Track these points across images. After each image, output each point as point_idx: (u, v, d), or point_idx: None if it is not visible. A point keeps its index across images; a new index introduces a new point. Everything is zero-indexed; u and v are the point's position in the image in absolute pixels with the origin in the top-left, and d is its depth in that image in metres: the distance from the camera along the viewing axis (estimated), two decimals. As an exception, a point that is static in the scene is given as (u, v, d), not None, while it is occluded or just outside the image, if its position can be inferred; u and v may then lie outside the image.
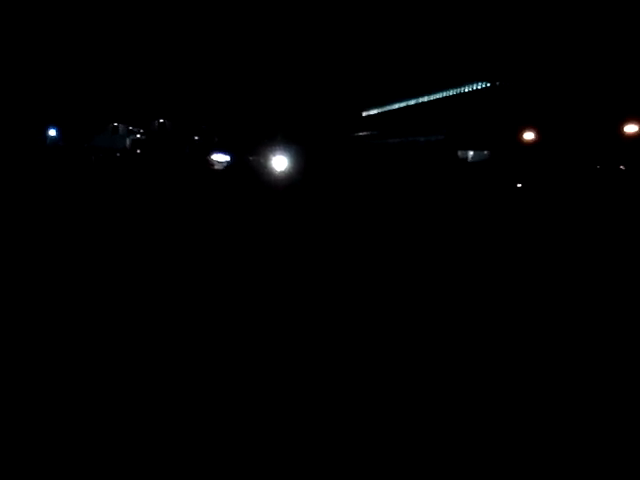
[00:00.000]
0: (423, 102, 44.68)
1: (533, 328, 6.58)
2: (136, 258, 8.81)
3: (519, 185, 26.28)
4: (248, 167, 32.60)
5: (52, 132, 35.52)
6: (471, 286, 8.45)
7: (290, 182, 28.39)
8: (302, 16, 38.89)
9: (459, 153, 38.35)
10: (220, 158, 35.57)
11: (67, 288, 7.00)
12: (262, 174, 30.76)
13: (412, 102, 45.44)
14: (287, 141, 34.11)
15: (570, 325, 6.86)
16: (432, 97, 43.52)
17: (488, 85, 37.65)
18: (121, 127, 36.44)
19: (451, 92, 41.16)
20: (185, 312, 6.37)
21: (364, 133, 45.81)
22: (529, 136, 34.89)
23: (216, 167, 34.16)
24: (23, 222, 12.05)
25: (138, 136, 36.75)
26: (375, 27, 39.30)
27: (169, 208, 16.65)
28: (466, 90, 39.44)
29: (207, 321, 6.11)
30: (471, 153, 38.30)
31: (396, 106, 47.03)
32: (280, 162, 31.26)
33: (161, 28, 36.59)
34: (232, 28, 37.92)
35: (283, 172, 30.04)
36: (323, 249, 10.90)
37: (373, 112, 49.71)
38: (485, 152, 37.41)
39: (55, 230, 11.20)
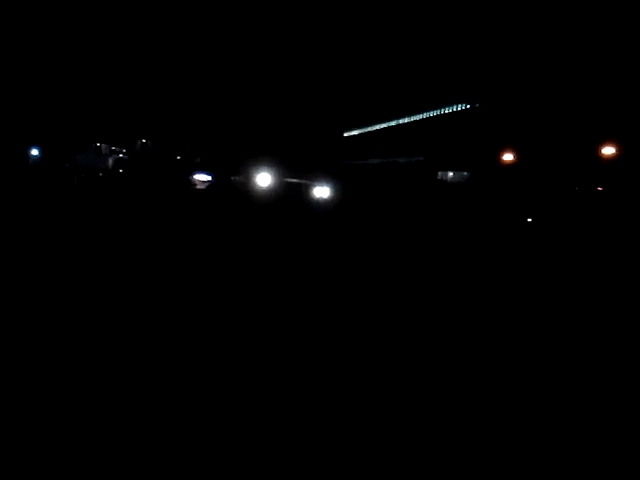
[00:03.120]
0: (404, 123, 45.09)
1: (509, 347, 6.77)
2: (121, 277, 8.90)
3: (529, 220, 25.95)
4: (229, 186, 32.79)
5: (34, 152, 35.51)
6: (453, 304, 8.65)
7: (272, 201, 28.60)
8: (284, 38, 39.23)
9: (439, 174, 38.78)
10: (202, 178, 35.73)
11: (51, 308, 7.07)
12: (243, 193, 30.99)
13: (393, 123, 45.85)
14: (268, 161, 34.31)
15: (550, 341, 7.05)
16: (413, 118, 43.95)
17: (468, 107, 38.15)
18: (104, 147, 36.43)
19: (431, 113, 41.63)
20: (172, 332, 6.46)
21: (345, 153, 46.15)
22: (508, 157, 35.42)
23: (198, 187, 34.36)
24: (7, 240, 12.11)
25: (121, 156, 36.77)
26: (356, 49, 39.69)
27: (153, 226, 16.79)
28: (446, 112, 39.92)
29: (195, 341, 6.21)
30: (451, 174, 38.75)
31: (377, 127, 47.42)
32: (262, 181, 31.47)
33: (144, 49, 36.75)
34: (214, 50, 38.16)
35: (265, 190, 30.27)
36: (305, 267, 11.05)
37: (354, 133, 50.09)
38: (465, 173, 37.88)
39: (39, 248, 11.27)
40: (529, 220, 25.37)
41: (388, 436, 4.08)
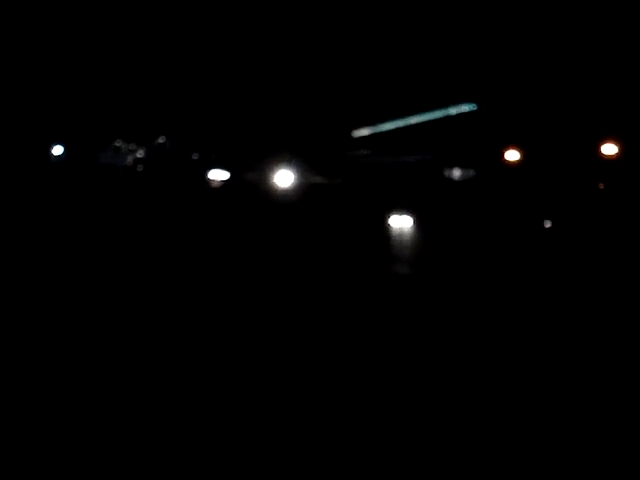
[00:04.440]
0: (411, 123, 45.86)
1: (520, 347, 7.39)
2: (138, 275, 9.71)
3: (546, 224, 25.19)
4: (245, 184, 33.71)
5: (57, 150, 36.71)
6: (463, 301, 9.36)
7: (285, 200, 29.52)
8: (293, 38, 40.35)
9: (446, 172, 39.66)
10: (219, 175, 36.57)
11: (69, 305, 7.83)
12: (258, 191, 31.94)
13: (401, 123, 46.71)
14: (280, 161, 35.11)
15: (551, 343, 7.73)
16: (420, 118, 44.74)
17: (473, 107, 39.20)
18: (123, 145, 37.64)
19: (438, 114, 42.46)
20: (185, 332, 7.12)
21: (355, 153, 46.92)
22: (513, 155, 36.38)
23: (215, 184, 35.33)
24: (30, 235, 13.00)
25: (139, 154, 37.96)
26: (364, 51, 40.81)
27: (171, 223, 17.67)
28: (452, 112, 40.87)
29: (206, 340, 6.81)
30: (458, 172, 39.62)
31: (386, 127, 48.22)
32: (278, 179, 32.39)
33: (161, 49, 37.96)
34: (227, 52, 39.32)
35: (281, 189, 31.21)
36: (317, 265, 11.85)
37: (364, 133, 50.88)
38: (471, 171, 38.78)
39: (61, 243, 12.14)
40: (548, 225, 25.40)
41: (388, 436, 4.51)
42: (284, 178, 32.96)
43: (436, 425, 5.11)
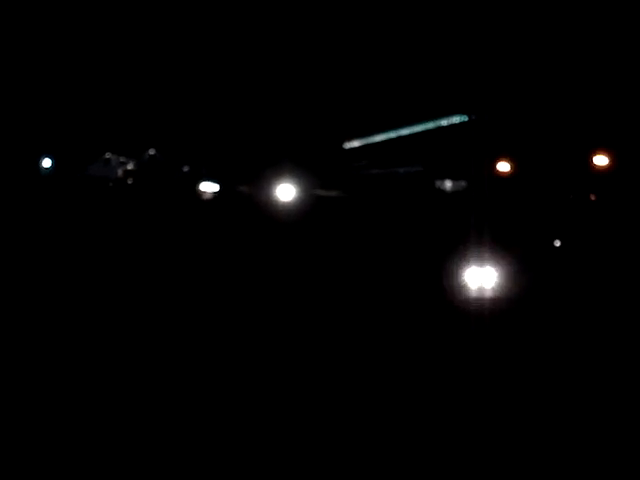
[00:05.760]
0: (402, 135, 45.98)
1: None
2: (129, 287, 9.61)
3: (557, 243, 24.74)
4: (236, 196, 33.68)
5: (46, 163, 36.50)
6: (453, 315, 9.36)
7: (276, 212, 29.47)
8: (283, 50, 40.29)
9: (437, 183, 39.77)
10: (209, 188, 36.54)
11: (58, 316, 7.73)
12: (249, 203, 31.91)
13: (392, 135, 46.78)
14: (271, 173, 35.11)
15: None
16: (411, 130, 44.85)
17: (464, 119, 39.25)
18: (113, 158, 37.53)
19: (429, 125, 42.57)
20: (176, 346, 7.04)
21: (346, 164, 46.95)
22: (504, 167, 36.52)
23: (205, 197, 35.30)
24: (21, 248, 12.86)
25: (129, 167, 37.86)
26: (355, 63, 40.78)
27: (162, 236, 17.55)
28: (443, 123, 40.93)
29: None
30: (449, 183, 39.73)
31: (376, 139, 48.33)
32: (274, 192, 32.36)
33: (150, 61, 37.86)
34: (217, 64, 39.26)
35: (272, 202, 31.18)
36: (308, 277, 11.78)
37: (354, 144, 50.98)
38: (462, 182, 38.90)
39: (52, 255, 12.02)
40: (557, 244, 25.23)
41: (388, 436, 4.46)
42: (282, 191, 32.94)
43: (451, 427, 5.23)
